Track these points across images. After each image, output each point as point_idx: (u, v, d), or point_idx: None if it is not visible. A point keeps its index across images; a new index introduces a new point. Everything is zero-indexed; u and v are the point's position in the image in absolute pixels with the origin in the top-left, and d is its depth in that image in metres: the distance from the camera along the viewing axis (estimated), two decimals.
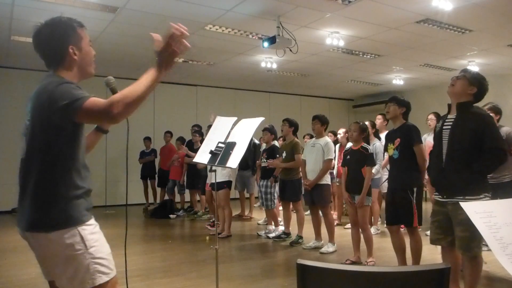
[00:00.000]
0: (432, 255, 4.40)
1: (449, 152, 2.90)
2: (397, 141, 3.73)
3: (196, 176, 7.54)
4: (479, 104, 3.10)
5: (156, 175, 9.22)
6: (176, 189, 8.61)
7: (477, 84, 2.93)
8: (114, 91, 1.91)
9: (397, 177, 3.73)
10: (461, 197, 2.79)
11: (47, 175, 1.66)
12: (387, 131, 6.24)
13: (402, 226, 3.99)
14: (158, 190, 9.23)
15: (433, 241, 3.10)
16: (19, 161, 1.76)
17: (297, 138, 6.00)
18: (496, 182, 4.38)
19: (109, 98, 1.59)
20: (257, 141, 7.35)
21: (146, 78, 1.64)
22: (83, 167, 1.75)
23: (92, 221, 1.74)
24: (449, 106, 3.05)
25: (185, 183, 8.38)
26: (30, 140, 1.70)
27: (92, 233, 1.71)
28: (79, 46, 1.78)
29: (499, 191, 4.34)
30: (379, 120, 6.38)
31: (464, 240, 2.80)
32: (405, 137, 3.69)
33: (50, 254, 1.65)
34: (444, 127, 2.99)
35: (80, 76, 1.81)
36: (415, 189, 3.63)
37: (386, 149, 3.96)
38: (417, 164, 3.66)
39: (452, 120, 2.95)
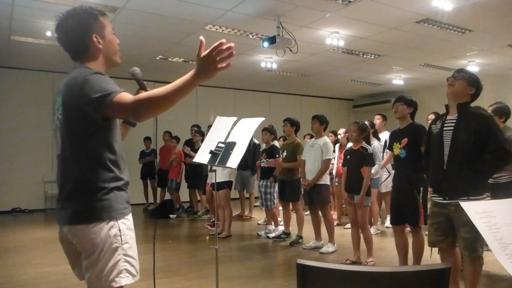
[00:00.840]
0: (432, 255, 4.40)
1: (451, 153, 2.88)
2: (405, 140, 3.71)
3: (197, 176, 7.54)
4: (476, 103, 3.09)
5: (156, 175, 9.22)
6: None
7: (475, 85, 2.94)
8: (139, 82, 1.88)
9: (404, 177, 3.72)
10: (465, 198, 2.77)
11: (86, 168, 1.65)
12: (385, 131, 6.30)
13: (406, 225, 3.99)
14: (158, 190, 9.23)
15: (432, 243, 3.08)
16: (56, 158, 1.75)
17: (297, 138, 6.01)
18: (494, 182, 4.37)
19: (137, 96, 1.56)
20: (256, 141, 7.35)
21: (180, 81, 1.56)
22: (121, 159, 1.74)
23: (130, 216, 1.74)
24: (447, 106, 3.04)
25: (181, 181, 8.39)
26: (65, 134, 1.67)
27: (129, 229, 1.71)
28: (103, 34, 1.74)
29: (496, 192, 4.34)
30: (378, 120, 6.37)
31: (469, 241, 2.79)
32: (414, 137, 3.67)
33: (87, 246, 1.63)
34: (444, 129, 2.97)
35: (107, 66, 1.78)
36: (421, 189, 3.63)
37: (391, 148, 3.93)
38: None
39: (453, 121, 2.93)
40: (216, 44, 1.52)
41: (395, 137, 3.89)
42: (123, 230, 1.67)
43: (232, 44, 1.54)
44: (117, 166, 1.70)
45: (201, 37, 1.59)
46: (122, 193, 1.71)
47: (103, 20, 1.76)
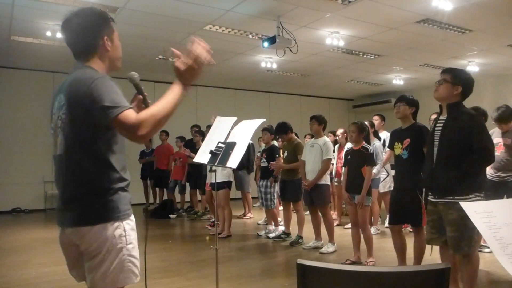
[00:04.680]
0: (432, 255, 4.40)
1: (439, 152, 2.92)
2: (407, 141, 3.68)
3: (198, 176, 7.53)
4: (472, 97, 3.08)
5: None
6: (177, 188, 8.60)
7: (461, 83, 2.91)
8: (138, 87, 1.85)
9: (406, 178, 3.70)
10: (451, 197, 2.81)
11: (91, 169, 1.62)
12: (384, 131, 6.30)
13: (405, 225, 3.98)
14: (157, 190, 9.22)
15: (428, 241, 3.13)
16: (53, 159, 1.73)
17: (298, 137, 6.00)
18: (501, 180, 4.39)
19: (138, 116, 1.54)
20: (250, 141, 7.28)
21: (173, 96, 1.62)
22: (125, 160, 1.72)
23: (133, 217, 1.72)
24: (441, 107, 3.06)
25: (187, 183, 8.38)
26: (69, 134, 1.63)
27: (132, 229, 1.70)
28: (112, 38, 1.74)
29: (502, 190, 4.35)
30: (376, 121, 6.38)
31: (454, 240, 2.83)
32: (416, 138, 3.65)
33: (92, 247, 1.61)
34: (436, 129, 3.01)
35: (109, 69, 1.77)
36: (423, 189, 3.63)
37: (391, 147, 3.91)
38: None
39: (443, 121, 2.96)
40: (194, 52, 1.62)
41: (396, 136, 3.86)
42: (128, 230, 1.66)
43: (205, 46, 1.65)
44: (121, 167, 1.68)
45: (173, 49, 1.67)
46: (126, 193, 1.69)
47: (112, 24, 1.76)
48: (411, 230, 4.00)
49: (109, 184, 1.63)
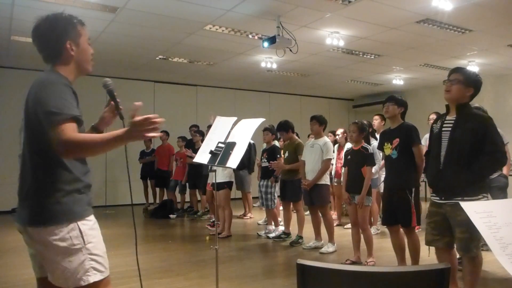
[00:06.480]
0: (432, 255, 4.40)
1: (448, 153, 2.89)
2: (396, 141, 3.71)
3: (197, 176, 7.53)
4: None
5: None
6: (177, 188, 8.60)
7: (473, 84, 2.91)
8: (111, 94, 1.92)
9: (396, 177, 3.71)
10: (460, 198, 2.79)
11: (44, 170, 1.66)
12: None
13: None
14: (157, 190, 9.22)
15: (429, 242, 3.09)
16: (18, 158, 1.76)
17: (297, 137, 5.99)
18: None
19: (71, 136, 1.55)
20: (251, 141, 7.30)
21: (112, 136, 1.59)
22: (82, 162, 1.75)
23: (92, 217, 1.74)
24: (447, 106, 3.04)
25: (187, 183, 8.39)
26: (26, 135, 1.69)
27: (91, 229, 1.71)
28: (77, 42, 1.78)
29: None
30: (376, 120, 6.37)
31: (463, 241, 2.81)
32: (405, 137, 3.68)
33: (48, 248, 1.63)
34: (443, 129, 2.97)
35: (77, 72, 1.82)
36: (413, 189, 3.64)
37: (381, 148, 3.94)
38: (415, 165, 3.67)
39: (452, 121, 2.93)
40: (150, 115, 1.61)
41: (385, 137, 3.89)
42: (85, 231, 1.67)
43: (161, 120, 1.64)
44: (76, 168, 1.70)
45: (138, 103, 1.66)
46: (83, 196, 1.71)
47: (80, 29, 1.80)
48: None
49: (62, 185, 1.66)
